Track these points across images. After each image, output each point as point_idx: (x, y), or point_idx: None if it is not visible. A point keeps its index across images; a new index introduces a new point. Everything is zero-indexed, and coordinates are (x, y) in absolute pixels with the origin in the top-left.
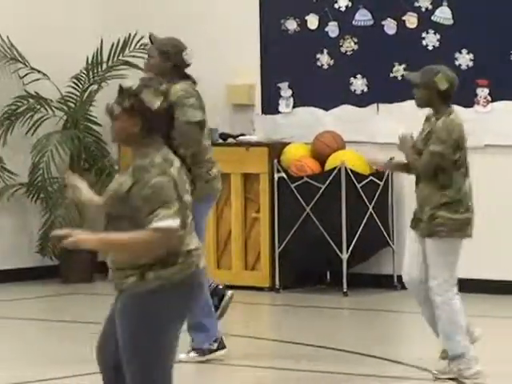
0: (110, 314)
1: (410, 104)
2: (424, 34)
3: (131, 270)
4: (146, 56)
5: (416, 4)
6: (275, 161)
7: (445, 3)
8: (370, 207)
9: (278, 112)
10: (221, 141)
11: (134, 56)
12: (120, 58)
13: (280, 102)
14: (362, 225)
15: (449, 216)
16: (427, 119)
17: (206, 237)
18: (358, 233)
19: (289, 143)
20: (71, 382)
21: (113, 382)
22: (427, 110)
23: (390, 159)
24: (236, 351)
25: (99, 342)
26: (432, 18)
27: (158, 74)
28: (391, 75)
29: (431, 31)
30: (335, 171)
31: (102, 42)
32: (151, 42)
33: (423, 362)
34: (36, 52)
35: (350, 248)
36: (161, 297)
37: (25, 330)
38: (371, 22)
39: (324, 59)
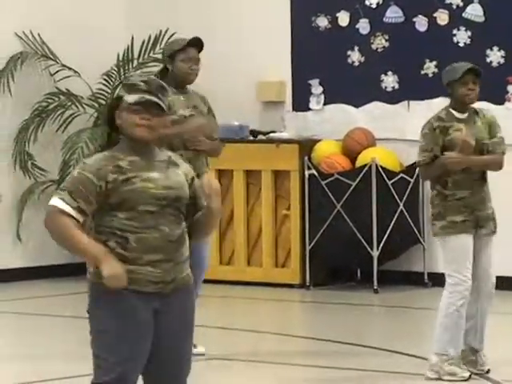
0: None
1: (441, 101)
2: (455, 31)
3: (188, 261)
4: (193, 64)
5: (447, 1)
6: (306, 158)
7: (476, 0)
8: (401, 204)
9: (309, 109)
10: (251, 138)
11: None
12: (150, 55)
13: (311, 99)
14: (393, 222)
15: None
16: (472, 114)
17: (237, 234)
18: (389, 230)
19: (319, 140)
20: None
21: None
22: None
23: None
24: (265, 348)
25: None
26: (463, 14)
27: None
28: (422, 72)
29: (462, 28)
30: (366, 168)
31: (132, 39)
32: (201, 47)
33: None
34: (67, 49)
35: (381, 245)
36: None
37: (58, 326)
38: (402, 19)
39: (355, 56)
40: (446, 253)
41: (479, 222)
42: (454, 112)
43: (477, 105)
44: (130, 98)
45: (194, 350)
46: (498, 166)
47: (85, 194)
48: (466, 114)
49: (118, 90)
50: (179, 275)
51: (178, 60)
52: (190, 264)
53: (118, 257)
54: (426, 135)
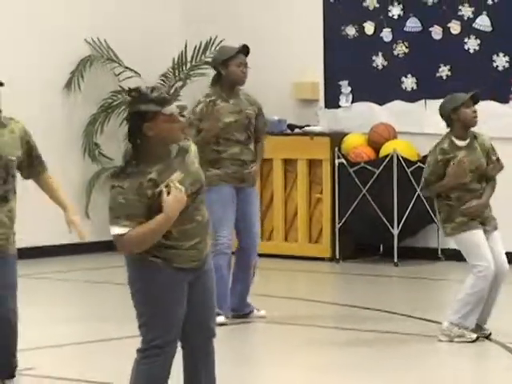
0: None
1: None
2: (466, 39)
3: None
4: (244, 68)
5: (459, 13)
6: (336, 148)
7: (484, 12)
8: (418, 189)
9: (339, 106)
10: (289, 131)
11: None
12: (202, 58)
13: (340, 97)
14: (411, 204)
15: None
16: (472, 140)
17: (276, 214)
18: (408, 211)
19: (348, 133)
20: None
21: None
22: None
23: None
24: (300, 313)
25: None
26: (473, 25)
27: None
28: (437, 75)
29: (472, 37)
30: (388, 158)
31: (186, 44)
32: (248, 53)
33: None
34: (129, 53)
35: (401, 224)
36: None
37: (120, 293)
38: (420, 29)
39: (379, 61)
40: (464, 248)
41: (483, 222)
42: (455, 141)
43: (484, 104)
44: (169, 110)
45: (258, 313)
46: (494, 189)
47: (135, 215)
48: (467, 141)
49: (138, 105)
50: (206, 251)
51: (232, 65)
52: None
53: (162, 245)
54: (430, 165)
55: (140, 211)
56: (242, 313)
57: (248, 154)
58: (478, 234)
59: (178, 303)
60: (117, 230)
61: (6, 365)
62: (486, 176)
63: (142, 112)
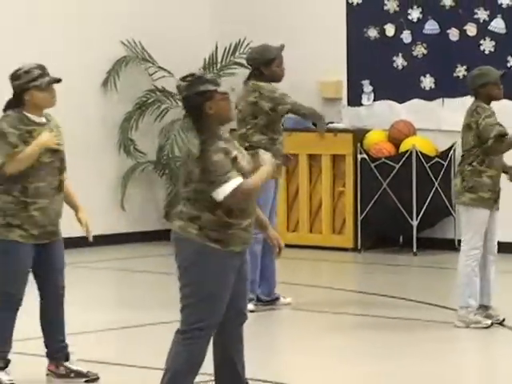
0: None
1: (469, 99)
2: (482, 41)
3: None
4: (281, 65)
5: (475, 16)
6: (358, 144)
7: (499, 15)
8: (436, 183)
9: (361, 104)
10: (313, 127)
11: (242, 57)
12: (231, 59)
13: (362, 96)
14: (429, 198)
15: None
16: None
17: (301, 206)
18: (426, 204)
19: (369, 130)
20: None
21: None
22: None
23: None
24: (323, 300)
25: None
26: (488, 27)
27: None
28: (454, 75)
29: (488, 39)
30: (407, 153)
31: (217, 45)
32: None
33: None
34: (162, 54)
35: (419, 216)
36: None
37: (151, 281)
38: (438, 31)
39: (399, 61)
40: (467, 220)
41: (496, 200)
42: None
43: (498, 102)
44: (222, 89)
45: (284, 301)
46: None
47: (233, 170)
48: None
49: (197, 86)
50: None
51: (274, 66)
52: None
53: (223, 223)
54: (490, 121)
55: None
56: (269, 299)
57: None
58: (485, 214)
59: (228, 288)
60: (232, 184)
61: (61, 348)
62: None
63: (201, 92)
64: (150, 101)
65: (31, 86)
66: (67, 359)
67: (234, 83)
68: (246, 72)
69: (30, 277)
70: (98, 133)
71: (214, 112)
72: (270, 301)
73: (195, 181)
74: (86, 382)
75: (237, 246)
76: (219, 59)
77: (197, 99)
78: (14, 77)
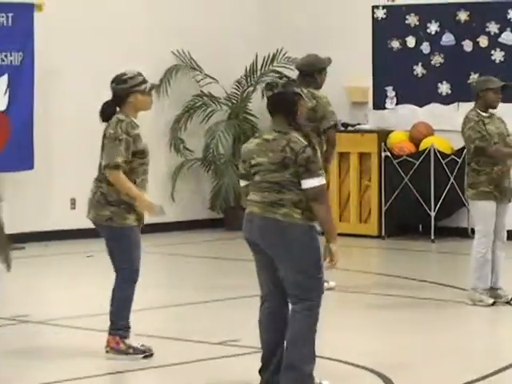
0: None
1: None
2: (493, 52)
3: None
4: (323, 75)
5: (487, 29)
6: (382, 143)
7: (508, 29)
8: (451, 178)
9: (385, 108)
10: (343, 128)
11: (280, 66)
12: (270, 67)
13: (386, 100)
14: (446, 191)
15: None
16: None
17: (332, 198)
18: (443, 196)
19: (392, 130)
20: (228, 303)
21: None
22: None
23: None
24: (352, 282)
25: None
26: (499, 39)
27: None
28: (468, 81)
29: (498, 49)
30: (426, 151)
31: (256, 55)
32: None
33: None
34: (208, 63)
35: (437, 207)
36: None
37: (196, 264)
38: (454, 43)
39: (419, 69)
40: (475, 213)
41: (501, 193)
42: (480, 112)
43: (506, 106)
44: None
45: (328, 285)
46: None
47: None
48: (487, 114)
49: (292, 87)
50: None
51: (324, 74)
52: None
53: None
54: (476, 132)
55: None
56: None
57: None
58: (490, 204)
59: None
60: (322, 180)
61: (125, 325)
62: (509, 145)
63: (296, 92)
64: (197, 104)
65: (136, 90)
66: (127, 336)
67: None
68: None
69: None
70: (152, 133)
71: (300, 112)
72: None
73: (292, 168)
74: (143, 357)
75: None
76: (259, 67)
77: (293, 97)
78: (120, 81)
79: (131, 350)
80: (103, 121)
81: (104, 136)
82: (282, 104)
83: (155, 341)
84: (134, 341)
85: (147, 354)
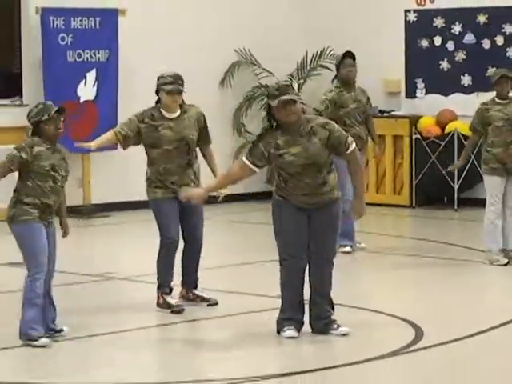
0: None
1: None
2: (508, 49)
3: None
4: (351, 68)
5: (502, 30)
6: (413, 127)
7: None
8: (472, 156)
9: (416, 97)
10: (379, 114)
11: (326, 62)
12: (318, 63)
13: (417, 90)
14: (467, 167)
15: None
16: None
17: (370, 173)
18: (465, 171)
19: (422, 116)
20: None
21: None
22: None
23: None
24: (386, 244)
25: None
26: None
27: None
28: (486, 74)
29: None
30: (451, 134)
31: (306, 52)
32: (354, 58)
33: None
34: (266, 58)
35: (459, 181)
36: None
37: (259, 230)
38: (474, 41)
39: (444, 64)
40: (485, 185)
41: (508, 170)
42: (496, 99)
43: None
44: (275, 102)
45: (360, 246)
46: None
47: (263, 157)
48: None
49: (266, 99)
50: None
51: (341, 68)
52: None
53: None
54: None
55: (263, 156)
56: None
57: (364, 130)
58: (497, 179)
59: None
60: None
61: (195, 279)
62: None
63: (268, 104)
64: (255, 94)
65: (161, 88)
66: (196, 287)
67: (319, 81)
68: (328, 73)
69: None
70: (217, 119)
71: (277, 117)
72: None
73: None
74: (208, 305)
75: None
76: (308, 63)
77: (267, 107)
78: (157, 78)
79: (165, 306)
80: None
81: None
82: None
83: (222, 294)
84: (201, 291)
85: (176, 309)
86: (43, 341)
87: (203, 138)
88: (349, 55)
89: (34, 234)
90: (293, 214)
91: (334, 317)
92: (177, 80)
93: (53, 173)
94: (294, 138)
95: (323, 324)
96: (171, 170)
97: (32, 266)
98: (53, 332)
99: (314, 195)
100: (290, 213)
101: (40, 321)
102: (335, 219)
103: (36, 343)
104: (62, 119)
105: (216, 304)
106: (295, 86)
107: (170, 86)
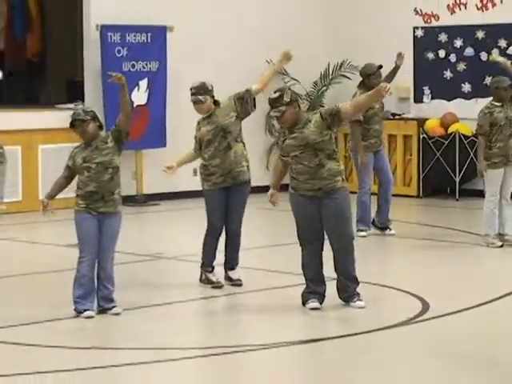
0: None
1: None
2: None
3: None
4: (380, 79)
5: (498, 44)
6: (421, 128)
7: None
8: (471, 153)
9: (423, 101)
10: (391, 117)
11: (346, 72)
12: (338, 72)
13: (423, 96)
14: (467, 162)
15: None
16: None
17: None
18: (465, 167)
19: (428, 118)
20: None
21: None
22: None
23: None
24: (397, 230)
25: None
26: (507, 52)
27: None
28: (484, 82)
29: (506, 59)
30: (453, 134)
31: (328, 63)
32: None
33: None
34: (293, 68)
35: (460, 174)
36: None
37: (287, 217)
38: (473, 54)
39: (447, 74)
40: (486, 177)
41: (508, 161)
42: (494, 103)
43: None
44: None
45: (389, 232)
46: None
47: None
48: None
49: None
50: None
51: (372, 78)
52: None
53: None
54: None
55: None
56: (381, 226)
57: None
58: (498, 173)
59: None
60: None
61: (235, 260)
62: None
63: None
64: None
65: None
66: (233, 268)
67: (341, 88)
68: (347, 81)
69: None
70: (252, 120)
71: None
72: (382, 228)
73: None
74: (232, 285)
75: None
76: (330, 72)
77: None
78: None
79: (207, 281)
80: None
81: None
82: None
83: (252, 271)
84: (214, 276)
85: (216, 285)
86: (87, 313)
87: (243, 108)
88: (380, 68)
89: (80, 222)
90: (303, 204)
91: (358, 290)
92: (198, 90)
93: (85, 164)
94: (295, 129)
95: (346, 296)
96: (214, 154)
97: (80, 251)
98: (102, 308)
99: (315, 180)
100: (301, 203)
101: (85, 297)
102: (342, 208)
103: (82, 315)
104: (86, 125)
105: (240, 285)
106: (319, 92)
107: (192, 96)
